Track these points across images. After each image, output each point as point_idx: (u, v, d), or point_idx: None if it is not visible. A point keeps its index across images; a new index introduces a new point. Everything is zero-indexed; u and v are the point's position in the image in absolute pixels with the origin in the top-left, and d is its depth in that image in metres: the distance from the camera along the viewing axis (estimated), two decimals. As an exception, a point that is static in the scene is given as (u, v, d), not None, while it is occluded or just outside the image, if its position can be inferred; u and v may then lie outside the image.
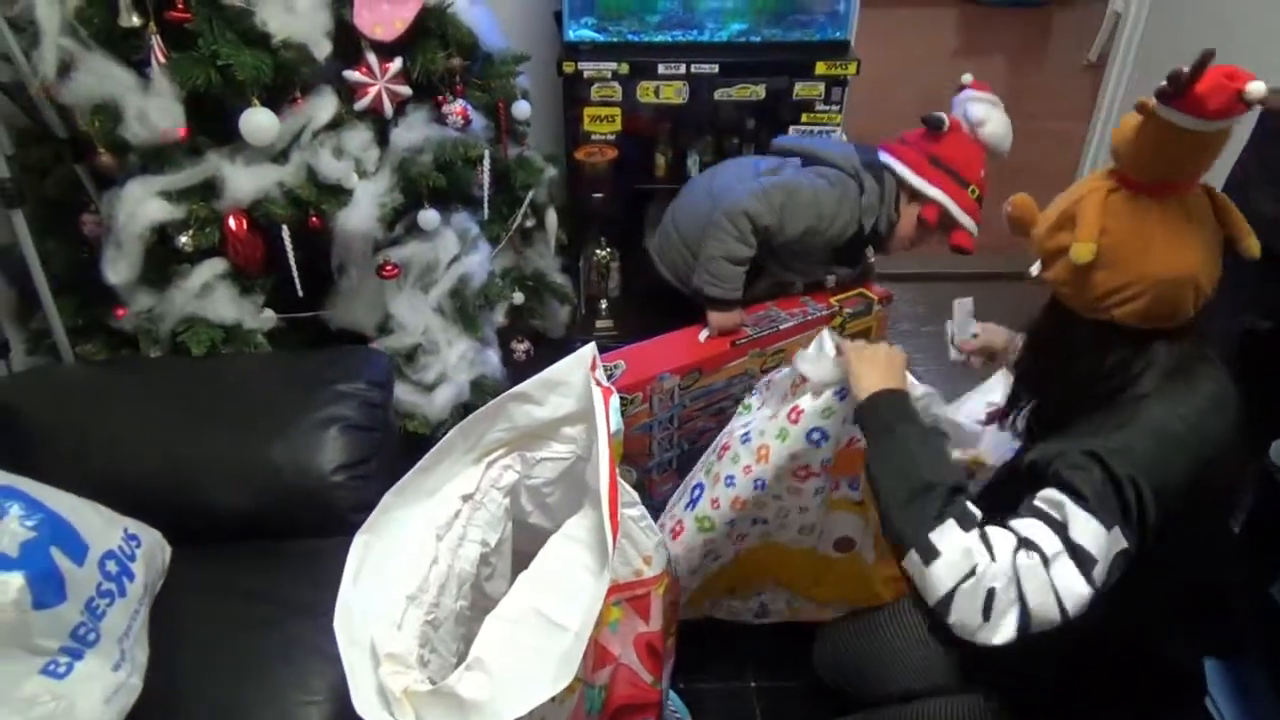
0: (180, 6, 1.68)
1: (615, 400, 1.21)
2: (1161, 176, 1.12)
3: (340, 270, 1.95)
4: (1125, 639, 1.27)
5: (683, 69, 2.40)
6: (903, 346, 1.45)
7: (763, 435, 1.58)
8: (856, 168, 2.05)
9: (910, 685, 1.48)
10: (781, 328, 2.14)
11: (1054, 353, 1.27)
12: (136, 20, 1.67)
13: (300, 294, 1.89)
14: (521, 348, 2.42)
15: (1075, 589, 1.05)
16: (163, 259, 1.81)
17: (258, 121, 1.74)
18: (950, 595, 1.07)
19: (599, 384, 1.23)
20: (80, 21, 1.68)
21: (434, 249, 1.99)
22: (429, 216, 1.96)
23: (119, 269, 1.78)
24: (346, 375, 1.77)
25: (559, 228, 2.45)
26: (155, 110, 1.70)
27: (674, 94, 2.44)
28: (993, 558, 1.07)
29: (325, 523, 1.61)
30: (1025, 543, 1.08)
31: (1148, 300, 1.12)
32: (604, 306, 2.79)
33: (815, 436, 1.53)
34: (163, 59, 1.68)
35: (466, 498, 1.29)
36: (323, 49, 1.78)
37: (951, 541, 1.09)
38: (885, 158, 2.06)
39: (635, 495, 1.25)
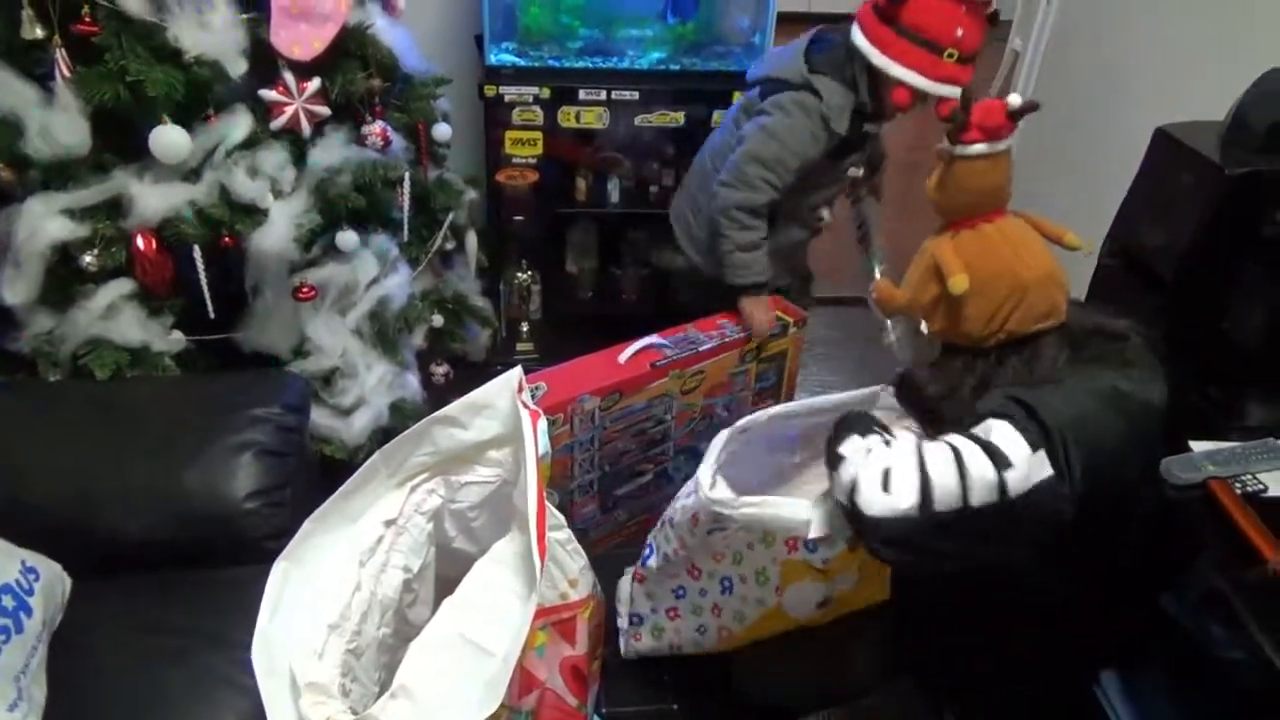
0: (87, 19, 1.62)
1: (543, 423, 1.21)
2: (979, 206, 1.33)
3: (254, 291, 1.91)
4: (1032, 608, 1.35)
5: (604, 95, 2.44)
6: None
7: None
8: (804, 76, 1.98)
9: (834, 689, 1.52)
10: (701, 349, 2.17)
11: (961, 391, 1.37)
12: (40, 32, 1.61)
13: (212, 316, 1.84)
14: (441, 371, 2.40)
15: (983, 473, 1.15)
16: (65, 279, 1.75)
17: (168, 139, 1.70)
18: (854, 481, 1.21)
19: (526, 406, 1.23)
20: (-22, 31, 1.61)
21: (352, 271, 1.97)
22: (347, 238, 1.93)
23: (17, 289, 1.71)
24: (261, 399, 1.72)
25: (479, 250, 2.44)
26: (59, 126, 1.64)
27: (595, 119, 2.47)
28: (888, 444, 1.26)
29: (237, 551, 1.57)
30: (935, 440, 1.24)
31: (1028, 303, 1.28)
32: (525, 329, 2.79)
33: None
34: (68, 73, 1.63)
35: (389, 523, 1.27)
36: (237, 66, 1.75)
37: (852, 444, 1.28)
38: (855, 36, 1.93)
39: (562, 518, 1.26)
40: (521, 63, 2.46)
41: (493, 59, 2.44)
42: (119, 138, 1.72)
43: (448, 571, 1.29)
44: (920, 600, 1.43)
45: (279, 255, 1.85)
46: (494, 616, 1.07)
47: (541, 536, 1.09)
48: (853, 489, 1.20)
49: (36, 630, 1.35)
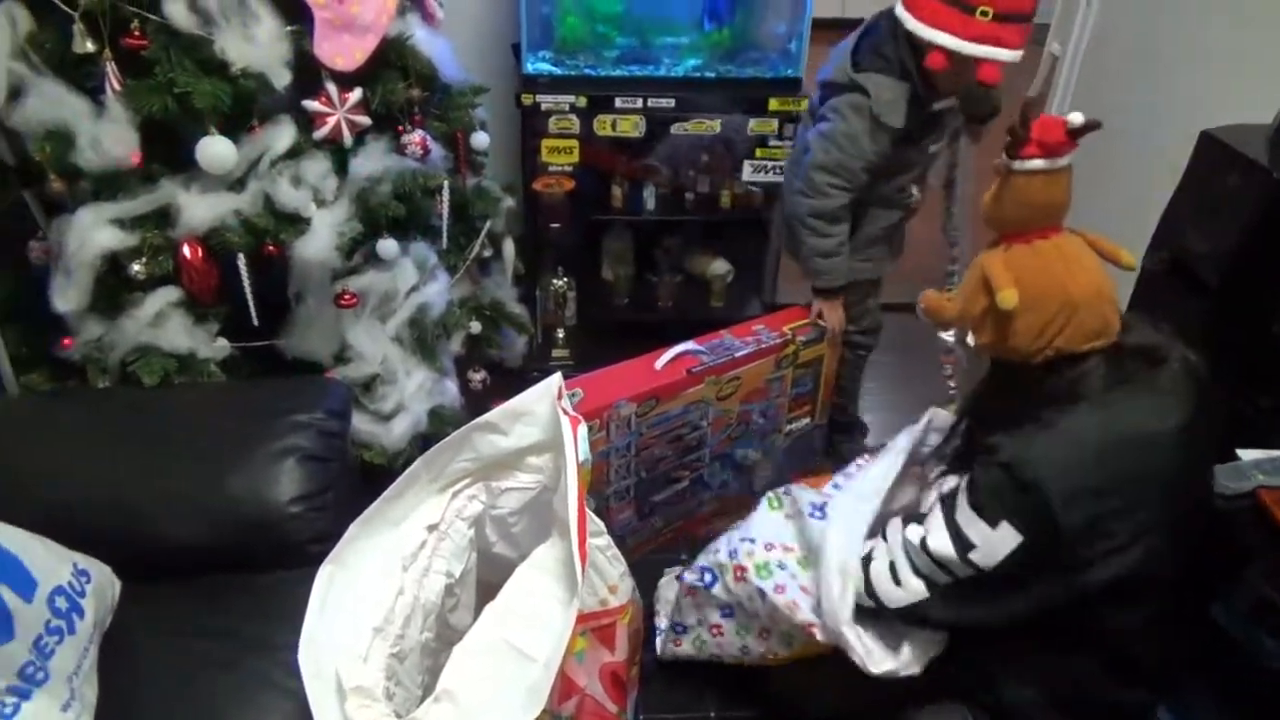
0: (137, 33, 1.66)
1: (583, 429, 1.22)
2: (1034, 221, 1.30)
3: (297, 299, 1.93)
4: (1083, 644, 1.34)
5: (639, 103, 2.45)
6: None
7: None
8: (850, 76, 1.94)
9: (880, 702, 1.50)
10: (737, 355, 2.16)
11: (1006, 403, 1.38)
12: (91, 46, 1.64)
13: (256, 323, 1.87)
14: (478, 377, 2.41)
15: (949, 555, 1.28)
16: (114, 287, 1.78)
17: (215, 150, 1.72)
18: (871, 585, 1.36)
19: (566, 413, 1.23)
20: (32, 47, 1.65)
21: (392, 278, 1.99)
22: (388, 246, 1.95)
23: (68, 297, 1.74)
24: (304, 405, 1.74)
25: (516, 257, 2.46)
26: (109, 137, 1.67)
27: (631, 127, 2.48)
28: (884, 539, 1.38)
29: (281, 555, 1.59)
30: (918, 519, 1.37)
31: (1078, 321, 1.25)
32: (560, 336, 2.80)
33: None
34: (118, 86, 1.66)
35: (432, 528, 1.28)
36: (282, 78, 1.77)
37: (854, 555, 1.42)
38: (895, 7, 1.87)
39: (601, 525, 1.26)
40: (558, 71, 2.48)
41: (530, 68, 2.45)
42: (167, 149, 1.75)
43: (488, 576, 1.30)
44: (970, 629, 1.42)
45: (321, 263, 1.87)
46: (536, 622, 1.07)
47: (583, 542, 1.09)
48: (874, 592, 1.36)
49: (88, 631, 1.38)
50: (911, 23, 1.81)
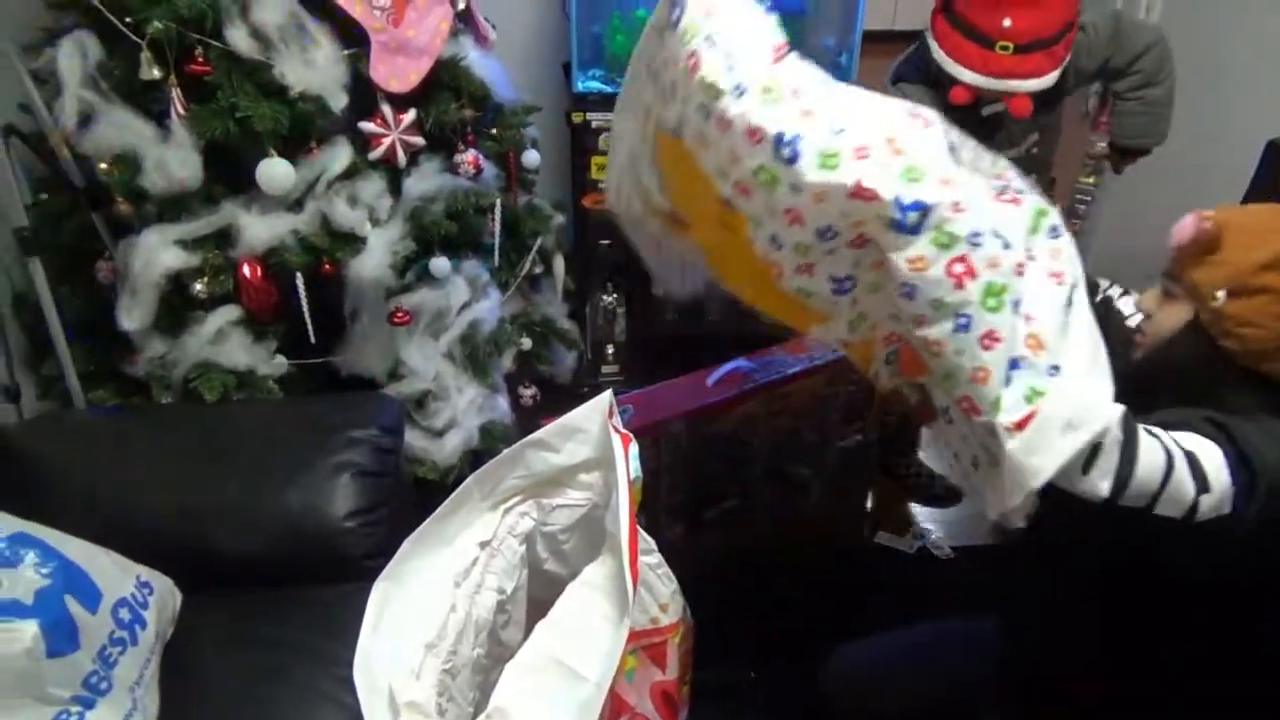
0: (200, 60, 1.71)
1: (634, 447, 1.21)
2: None
3: (352, 317, 1.97)
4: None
5: (689, 119, 2.44)
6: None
7: None
8: (889, 88, 1.91)
9: (934, 696, 1.45)
10: (789, 372, 2.15)
11: (1181, 382, 1.20)
12: (157, 73, 1.70)
13: (312, 340, 1.90)
14: (529, 394, 2.43)
15: (1182, 492, 1.04)
16: (177, 306, 1.83)
17: (274, 171, 1.77)
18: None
19: (617, 431, 1.23)
20: (102, 74, 1.71)
21: (445, 296, 2.01)
22: (440, 264, 1.98)
23: (134, 315, 1.80)
24: (359, 421, 1.77)
25: (566, 274, 2.48)
26: (174, 160, 1.72)
27: (679, 143, 2.48)
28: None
29: (336, 569, 1.61)
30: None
31: None
32: (610, 352, 2.81)
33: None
34: (182, 111, 1.71)
35: (484, 545, 1.29)
36: (339, 101, 1.82)
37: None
38: (926, 33, 1.83)
39: (652, 543, 1.26)
40: (608, 89, 2.50)
41: (580, 86, 2.48)
42: (228, 171, 1.80)
43: (539, 594, 1.30)
44: (1041, 630, 1.35)
45: (376, 281, 1.90)
46: (587, 641, 1.07)
47: (634, 560, 1.09)
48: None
49: (150, 642, 1.41)
50: (937, 53, 1.77)
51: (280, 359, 1.92)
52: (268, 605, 1.60)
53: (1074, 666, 1.33)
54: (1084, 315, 1.05)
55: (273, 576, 1.63)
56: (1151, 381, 1.20)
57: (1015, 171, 1.13)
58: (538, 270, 2.37)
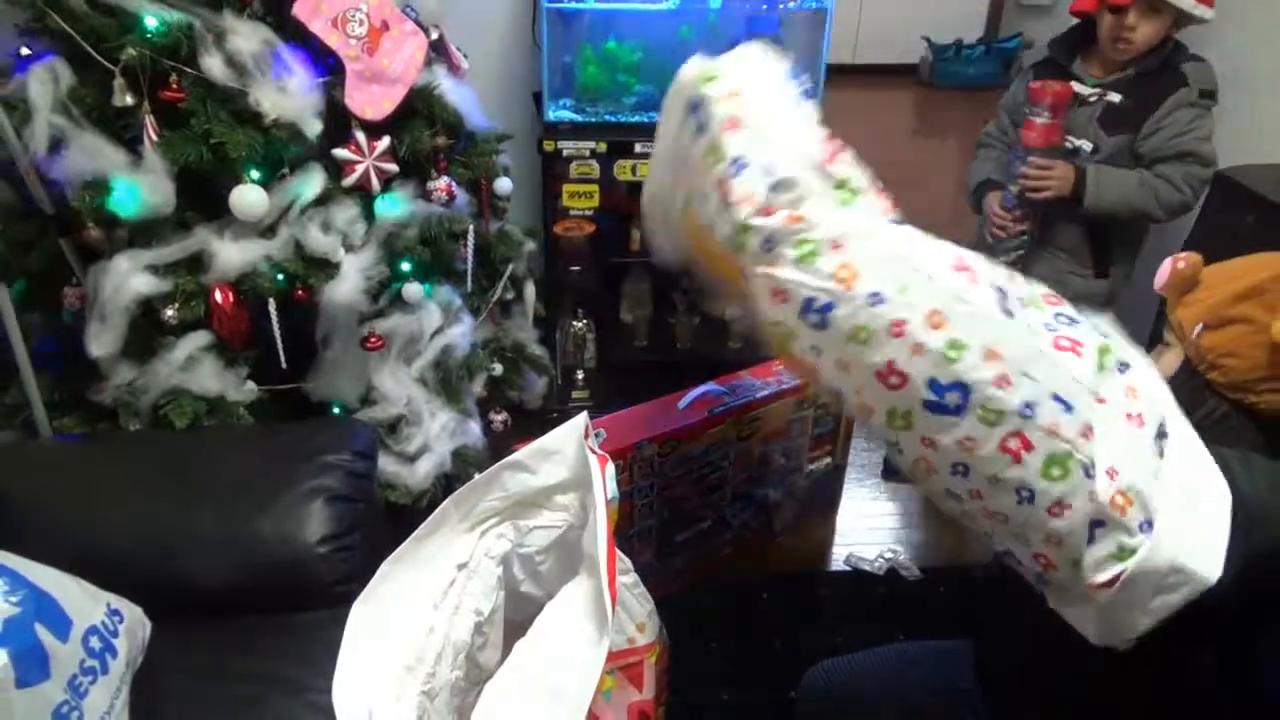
0: (175, 86, 1.72)
1: (611, 468, 1.23)
2: None
3: (325, 342, 1.97)
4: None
5: (658, 147, 2.49)
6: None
7: None
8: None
9: (905, 715, 1.45)
10: (758, 395, 2.18)
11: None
12: (130, 100, 1.70)
13: (284, 366, 1.90)
14: (499, 418, 2.43)
15: None
16: (147, 332, 1.82)
17: (248, 198, 1.77)
18: None
19: (594, 452, 1.25)
20: (73, 100, 1.71)
21: (418, 321, 2.02)
22: (413, 289, 1.99)
23: (102, 342, 1.78)
24: (331, 447, 1.76)
25: (537, 300, 2.49)
26: (146, 186, 1.72)
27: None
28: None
29: (309, 597, 1.60)
30: None
31: None
32: (580, 377, 2.83)
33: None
34: (155, 137, 1.71)
35: (461, 566, 1.30)
36: (313, 128, 1.83)
37: None
38: None
39: (629, 563, 1.27)
40: (579, 118, 2.53)
41: (551, 115, 2.51)
42: (201, 197, 1.80)
43: (515, 616, 1.31)
44: (1011, 652, 1.34)
45: (349, 307, 1.91)
46: (566, 660, 1.08)
47: (613, 580, 1.10)
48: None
49: (120, 671, 1.39)
50: None
51: (251, 385, 1.91)
52: (239, 633, 1.59)
53: (1044, 690, 1.35)
54: (1181, 454, 0.96)
55: (244, 604, 1.61)
56: None
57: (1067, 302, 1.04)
58: (509, 296, 2.39)
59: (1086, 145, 1.92)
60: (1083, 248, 2.07)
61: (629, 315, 3.02)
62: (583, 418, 1.33)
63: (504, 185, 2.27)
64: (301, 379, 2.00)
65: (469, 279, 2.18)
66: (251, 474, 1.72)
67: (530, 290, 2.45)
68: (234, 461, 1.76)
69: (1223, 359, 1.14)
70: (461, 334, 2.11)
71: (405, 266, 1.97)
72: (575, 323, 2.78)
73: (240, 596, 1.61)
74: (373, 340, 1.95)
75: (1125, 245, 2.09)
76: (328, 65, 1.88)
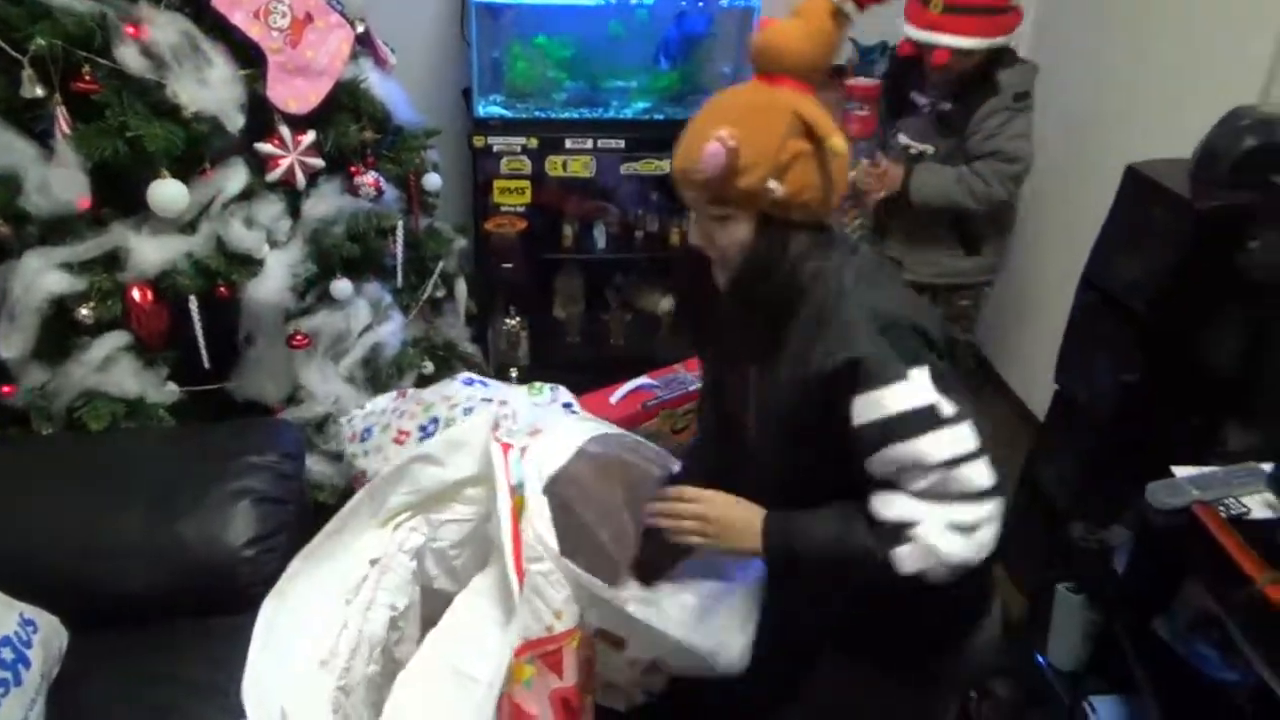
0: (88, 78, 1.67)
1: (515, 454, 1.23)
2: (823, 64, 1.16)
3: (248, 340, 1.93)
4: None
5: (590, 144, 2.49)
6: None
7: None
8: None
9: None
10: (690, 389, 2.20)
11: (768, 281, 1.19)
12: (40, 91, 1.65)
13: (206, 365, 1.86)
14: (433, 417, 2.41)
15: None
16: (60, 332, 1.76)
17: (167, 193, 1.73)
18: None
19: (498, 440, 1.25)
20: (-22, 91, 1.65)
21: (346, 318, 2.00)
22: (341, 286, 1.96)
23: (12, 343, 1.73)
24: (257, 447, 1.73)
25: (469, 297, 2.48)
26: (58, 181, 1.67)
27: (581, 168, 2.52)
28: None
29: (235, 600, 1.56)
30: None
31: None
32: (514, 375, 2.81)
33: None
34: (67, 130, 1.66)
35: (374, 561, 1.28)
36: (235, 121, 1.79)
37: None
38: None
39: (543, 550, 1.26)
40: (509, 114, 2.52)
41: (481, 111, 2.49)
42: (118, 192, 1.75)
43: (431, 612, 1.30)
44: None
45: (274, 304, 1.87)
46: (476, 644, 1.08)
47: (518, 561, 1.10)
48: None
49: (35, 683, 1.35)
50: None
51: (172, 386, 1.87)
52: (162, 640, 1.55)
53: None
54: None
55: (168, 609, 1.57)
56: (747, 301, 1.20)
57: None
58: (439, 293, 2.37)
59: (929, 149, 2.14)
60: (951, 233, 2.28)
61: (562, 312, 3.02)
62: (491, 408, 1.32)
63: (433, 181, 2.25)
64: (225, 379, 1.95)
65: (399, 275, 2.15)
66: (173, 476, 1.68)
67: (461, 287, 2.44)
68: (155, 464, 1.72)
69: (801, 195, 1.14)
70: (391, 331, 2.09)
71: (333, 263, 1.94)
72: (508, 320, 2.77)
73: (164, 602, 1.58)
74: (298, 339, 1.92)
75: (993, 226, 2.30)
76: (250, 58, 1.84)
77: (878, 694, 1.34)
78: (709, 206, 1.17)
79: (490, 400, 1.59)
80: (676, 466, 1.53)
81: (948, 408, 1.09)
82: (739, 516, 1.24)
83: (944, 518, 1.09)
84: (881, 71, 2.54)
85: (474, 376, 1.70)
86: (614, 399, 2.14)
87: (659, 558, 1.42)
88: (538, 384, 1.64)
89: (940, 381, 1.10)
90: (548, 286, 2.99)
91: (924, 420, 1.09)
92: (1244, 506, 1.55)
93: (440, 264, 2.31)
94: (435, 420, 1.62)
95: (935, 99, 2.15)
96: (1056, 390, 2.20)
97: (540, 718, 1.25)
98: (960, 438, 1.10)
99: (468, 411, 1.58)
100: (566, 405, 1.60)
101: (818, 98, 1.17)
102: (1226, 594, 1.43)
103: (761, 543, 1.21)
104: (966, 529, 1.10)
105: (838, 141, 1.11)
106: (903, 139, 2.19)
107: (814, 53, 1.14)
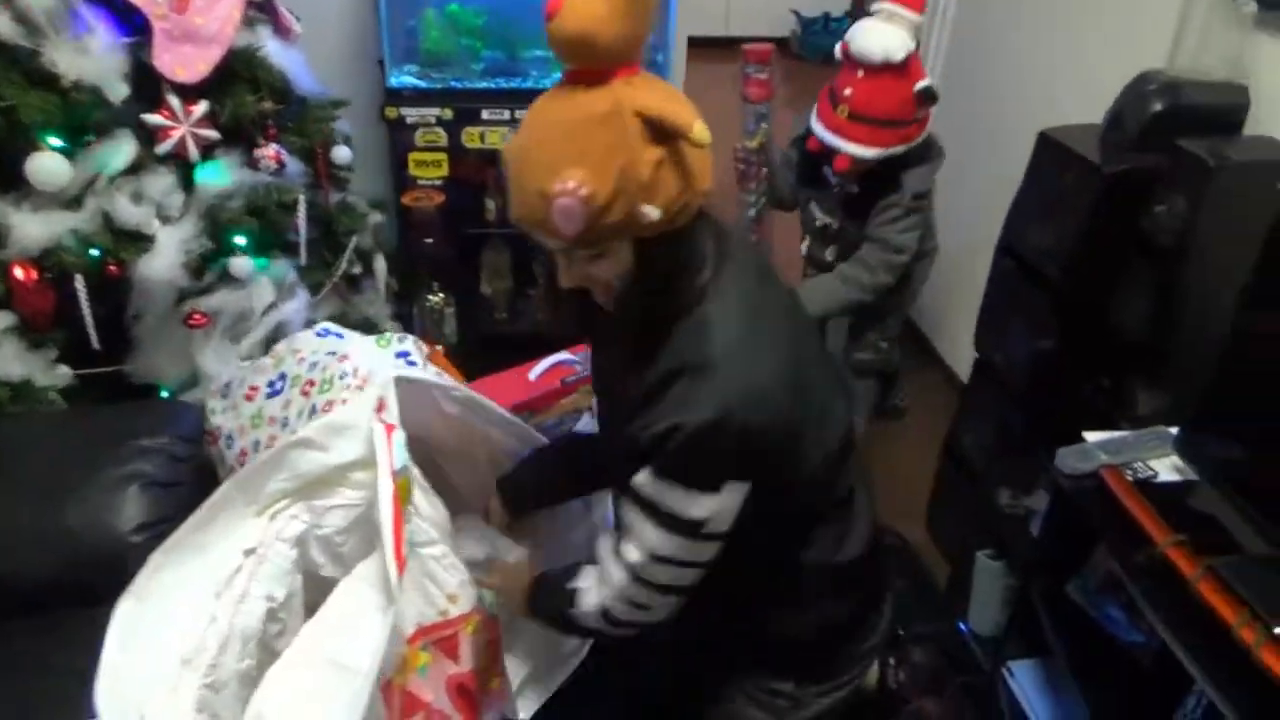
0: (-45, 45, 1.59)
1: (399, 434, 1.18)
2: (647, 32, 0.97)
3: (136, 320, 1.86)
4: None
5: (508, 115, 2.44)
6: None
7: None
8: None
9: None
10: (611, 366, 2.16)
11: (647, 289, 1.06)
12: (-98, 60, 1.56)
13: (96, 347, 1.79)
14: (352, 397, 2.35)
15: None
16: (-64, 314, 1.69)
17: (47, 166, 1.66)
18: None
19: (382, 421, 1.20)
20: None
21: (247, 297, 1.93)
22: (241, 264, 1.89)
23: (-116, 327, 1.65)
24: (149, 430, 1.67)
25: (389, 274, 2.42)
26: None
27: (500, 140, 2.47)
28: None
29: (123, 588, 1.49)
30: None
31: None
32: (440, 352, 2.76)
33: None
34: (-66, 100, 1.58)
35: (249, 552, 1.23)
36: (118, 91, 1.72)
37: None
38: None
39: (436, 534, 1.22)
40: (423, 85, 2.46)
41: (394, 81, 2.43)
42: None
43: (316, 601, 1.25)
44: None
45: (167, 282, 1.81)
46: (354, 633, 1.04)
47: (399, 547, 1.07)
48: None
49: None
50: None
51: (63, 368, 1.80)
52: (49, 631, 1.50)
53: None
54: None
55: (54, 598, 1.52)
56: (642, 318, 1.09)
57: None
58: (356, 270, 2.31)
59: (834, 223, 2.15)
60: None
61: (488, 288, 2.97)
62: (374, 390, 1.27)
63: (343, 154, 2.19)
64: (120, 361, 1.88)
65: (303, 251, 2.09)
66: (60, 461, 1.63)
67: (380, 264, 2.38)
68: (40, 448, 1.66)
69: (660, 205, 0.98)
70: (296, 310, 2.03)
71: (236, 240, 1.87)
72: (431, 297, 2.71)
73: (50, 591, 1.53)
74: (195, 318, 1.85)
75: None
76: (134, 24, 1.76)
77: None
78: (577, 250, 1.03)
79: (335, 354, 1.54)
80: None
81: (712, 525, 1.07)
82: (511, 588, 1.35)
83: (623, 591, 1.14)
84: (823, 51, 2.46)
85: (329, 327, 1.65)
86: (533, 375, 2.10)
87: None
88: (386, 335, 1.61)
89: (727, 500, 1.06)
90: (474, 262, 2.94)
91: (681, 526, 1.07)
92: (1151, 470, 1.56)
93: (354, 239, 2.25)
94: (283, 376, 1.58)
95: (844, 181, 2.14)
96: (976, 358, 2.21)
97: (435, 704, 1.22)
98: (696, 550, 1.09)
99: (313, 367, 1.54)
100: (401, 355, 1.57)
101: (660, 73, 1.04)
102: (1130, 557, 1.44)
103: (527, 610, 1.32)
104: (639, 605, 1.14)
105: (699, 131, 0.93)
106: (814, 209, 2.20)
107: (635, 25, 0.93)
